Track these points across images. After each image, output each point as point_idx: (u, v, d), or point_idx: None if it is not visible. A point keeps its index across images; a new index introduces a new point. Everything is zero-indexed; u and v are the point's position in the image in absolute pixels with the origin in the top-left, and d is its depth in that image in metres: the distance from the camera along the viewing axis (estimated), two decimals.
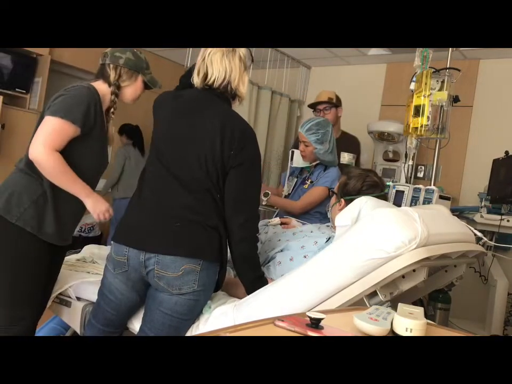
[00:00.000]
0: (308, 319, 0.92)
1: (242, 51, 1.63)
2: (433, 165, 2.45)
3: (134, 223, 1.62)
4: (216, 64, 1.58)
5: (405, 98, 2.50)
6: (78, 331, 1.89)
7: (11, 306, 1.72)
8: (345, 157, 3.09)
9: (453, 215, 1.96)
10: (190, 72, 1.67)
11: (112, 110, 1.88)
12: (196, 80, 1.62)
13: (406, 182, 2.64)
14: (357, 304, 1.42)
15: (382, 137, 3.76)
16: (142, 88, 1.93)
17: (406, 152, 2.44)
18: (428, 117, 2.21)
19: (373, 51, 4.22)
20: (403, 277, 1.48)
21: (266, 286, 1.59)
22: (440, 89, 2.24)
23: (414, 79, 2.36)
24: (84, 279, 1.98)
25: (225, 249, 1.61)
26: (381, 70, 4.48)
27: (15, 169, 1.78)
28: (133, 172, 4.52)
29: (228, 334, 0.85)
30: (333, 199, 1.95)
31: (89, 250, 2.37)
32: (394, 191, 2.23)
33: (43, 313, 1.93)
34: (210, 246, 1.56)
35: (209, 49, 1.60)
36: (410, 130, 2.30)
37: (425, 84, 2.23)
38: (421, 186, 2.21)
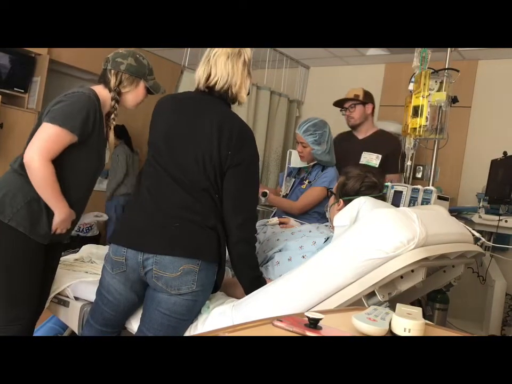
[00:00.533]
0: (306, 319, 0.92)
1: (247, 54, 1.63)
2: (432, 166, 2.45)
3: (132, 224, 1.62)
4: (220, 66, 1.59)
5: (404, 99, 2.50)
6: (76, 331, 1.89)
7: (7, 307, 1.72)
8: (366, 157, 2.85)
9: (451, 215, 1.96)
10: None
11: (112, 116, 1.86)
12: (198, 77, 1.63)
13: (405, 182, 2.64)
14: (355, 304, 1.42)
15: None
16: (144, 94, 1.90)
17: (405, 152, 2.43)
18: (427, 118, 2.21)
19: (372, 51, 4.22)
20: (401, 277, 1.48)
21: (265, 286, 1.59)
22: (439, 90, 2.24)
23: (413, 79, 2.36)
24: (82, 279, 1.97)
25: (224, 250, 1.61)
26: (379, 71, 4.48)
27: (10, 169, 1.78)
28: (135, 168, 4.96)
29: (226, 334, 0.85)
30: (332, 199, 1.95)
31: (88, 250, 2.37)
32: (392, 191, 2.23)
33: (42, 313, 1.92)
34: (209, 247, 1.55)
35: (215, 49, 1.60)
36: (408, 131, 2.30)
37: (424, 84, 2.23)
38: (419, 186, 2.21)
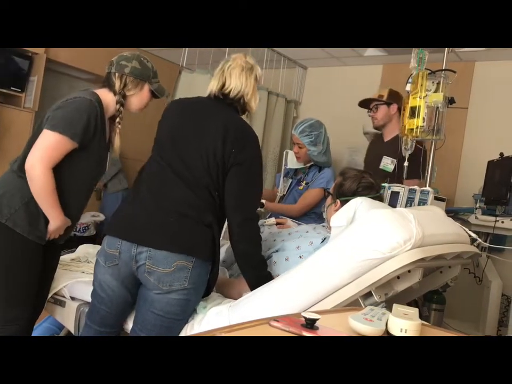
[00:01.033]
0: (303, 319, 0.91)
1: (258, 71, 1.74)
2: (429, 166, 2.45)
3: (128, 216, 1.63)
4: (234, 77, 1.68)
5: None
6: (72, 331, 1.89)
7: (5, 307, 1.71)
8: (383, 161, 2.65)
9: (448, 216, 1.96)
10: None
11: (118, 119, 1.84)
12: (212, 87, 1.70)
13: (401, 183, 2.64)
14: (352, 304, 1.42)
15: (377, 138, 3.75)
16: (149, 97, 1.89)
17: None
18: (424, 118, 2.21)
19: (369, 52, 4.22)
20: (398, 277, 1.48)
21: (261, 286, 1.59)
22: (436, 91, 2.24)
23: (410, 80, 2.36)
24: (79, 279, 1.97)
25: (218, 248, 1.61)
26: (377, 71, 4.48)
27: (9, 169, 1.78)
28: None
29: (223, 334, 0.85)
30: (329, 199, 1.96)
31: (84, 249, 2.37)
32: (389, 192, 2.23)
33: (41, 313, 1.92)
34: (204, 244, 1.56)
35: (229, 63, 1.70)
36: (405, 132, 2.31)
37: (421, 85, 2.23)
38: (416, 187, 2.21)
